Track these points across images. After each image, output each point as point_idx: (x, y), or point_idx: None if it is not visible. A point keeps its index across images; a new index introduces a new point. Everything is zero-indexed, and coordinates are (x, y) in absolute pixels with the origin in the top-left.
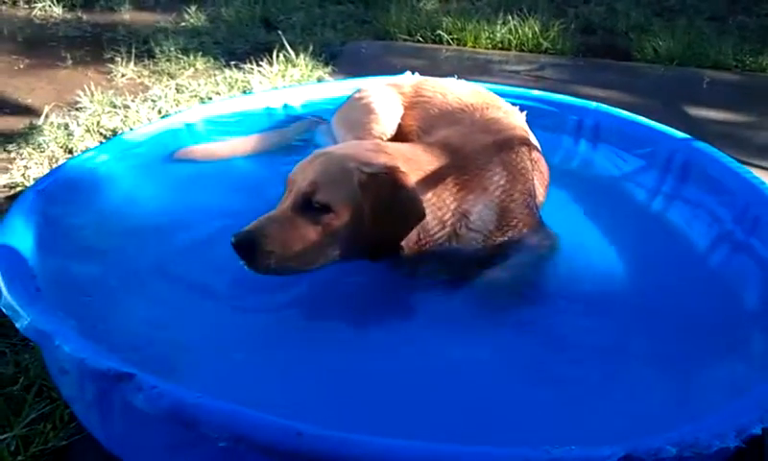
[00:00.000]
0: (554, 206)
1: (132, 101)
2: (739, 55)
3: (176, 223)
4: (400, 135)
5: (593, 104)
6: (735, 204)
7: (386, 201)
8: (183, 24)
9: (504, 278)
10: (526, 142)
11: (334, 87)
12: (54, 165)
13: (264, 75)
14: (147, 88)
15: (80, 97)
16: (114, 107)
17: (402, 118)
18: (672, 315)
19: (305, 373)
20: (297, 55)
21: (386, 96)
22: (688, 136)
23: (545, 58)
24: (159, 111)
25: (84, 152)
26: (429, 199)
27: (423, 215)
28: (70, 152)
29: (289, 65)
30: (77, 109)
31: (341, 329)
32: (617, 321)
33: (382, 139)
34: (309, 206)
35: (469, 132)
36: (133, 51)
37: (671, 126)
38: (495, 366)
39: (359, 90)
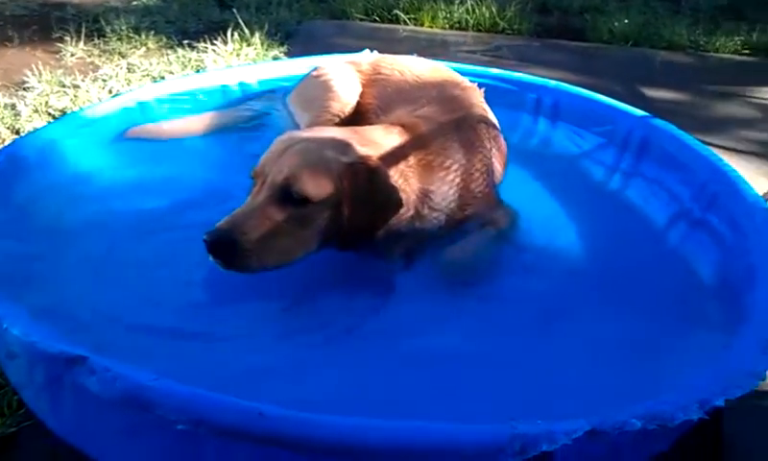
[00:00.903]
0: (513, 185)
1: (83, 80)
2: (693, 36)
3: (128, 202)
4: (358, 113)
5: (552, 82)
6: (693, 181)
7: (365, 191)
8: (135, 3)
9: (465, 255)
10: (485, 120)
11: (291, 65)
12: (0, 146)
13: (218, 54)
14: (97, 68)
15: (27, 77)
16: (63, 86)
17: (360, 96)
18: (632, 290)
19: (265, 357)
20: (252, 34)
21: (344, 74)
22: (647, 114)
23: (502, 38)
24: (110, 91)
25: (32, 131)
26: (395, 181)
27: (401, 204)
28: (17, 132)
29: (244, 44)
30: (24, 89)
31: (305, 313)
32: (578, 297)
33: (340, 117)
34: (287, 199)
35: (428, 110)
36: (83, 30)
37: (629, 105)
38: (461, 346)
39: (316, 68)
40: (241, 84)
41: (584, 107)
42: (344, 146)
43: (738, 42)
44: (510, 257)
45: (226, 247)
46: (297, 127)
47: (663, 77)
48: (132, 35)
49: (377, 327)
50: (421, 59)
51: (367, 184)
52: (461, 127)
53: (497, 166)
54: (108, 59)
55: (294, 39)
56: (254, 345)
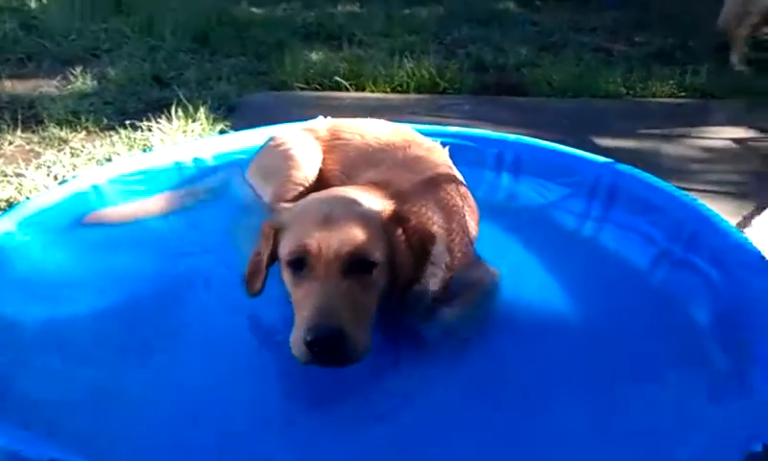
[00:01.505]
0: (487, 241)
1: (26, 168)
2: (628, 83)
3: (88, 290)
4: (321, 181)
5: (511, 136)
6: (669, 221)
7: (413, 239)
8: (69, 87)
9: (456, 316)
10: (453, 178)
11: (246, 137)
12: None
13: (164, 131)
14: (39, 155)
15: None
16: (6, 176)
17: (322, 163)
18: (626, 341)
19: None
20: (195, 109)
21: (303, 141)
22: (610, 160)
23: (444, 98)
24: (56, 177)
25: None
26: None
27: (434, 240)
28: None
29: (189, 120)
30: None
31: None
32: (567, 348)
33: (304, 185)
34: (356, 269)
35: (395, 172)
36: (19, 117)
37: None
38: (461, 401)
39: (273, 138)
40: (196, 159)
41: (545, 158)
42: (373, 201)
43: (673, 85)
44: (499, 316)
45: (337, 343)
46: (258, 199)
47: (606, 125)
48: (70, 118)
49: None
50: (379, 121)
51: (413, 233)
52: (431, 187)
53: (471, 224)
54: (48, 144)
55: (237, 113)
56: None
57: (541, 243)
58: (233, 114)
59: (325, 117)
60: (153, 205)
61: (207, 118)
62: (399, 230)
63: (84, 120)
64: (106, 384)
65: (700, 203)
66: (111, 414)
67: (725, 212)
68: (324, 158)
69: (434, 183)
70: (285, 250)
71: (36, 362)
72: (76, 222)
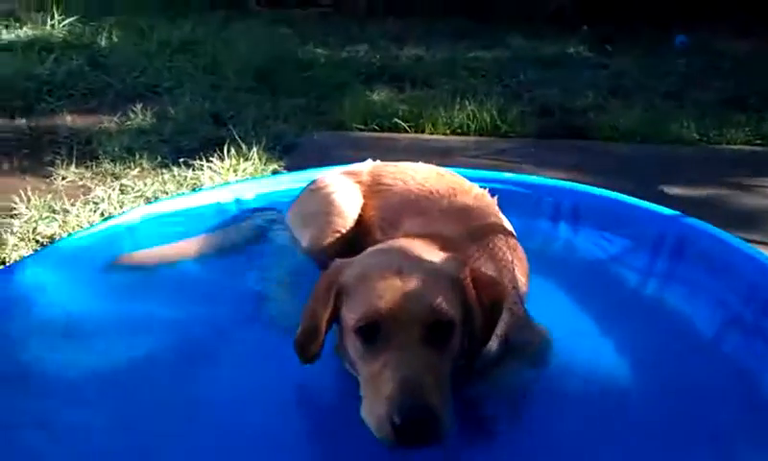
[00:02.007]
0: (539, 297)
1: (72, 204)
2: (701, 129)
3: (118, 337)
4: (361, 227)
5: (569, 183)
6: (742, 283)
7: (484, 296)
8: (128, 123)
9: (503, 382)
10: (502, 229)
11: (289, 179)
12: None
13: (215, 170)
14: (89, 190)
15: (15, 203)
16: (53, 211)
17: (362, 208)
18: (685, 416)
19: None
20: (249, 148)
21: (344, 185)
22: (677, 212)
23: (506, 142)
24: (102, 214)
25: (15, 263)
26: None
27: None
28: (2, 262)
29: (241, 159)
30: (11, 217)
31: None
32: (625, 422)
33: (342, 232)
34: (435, 334)
35: (440, 221)
36: (75, 152)
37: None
38: None
39: (314, 181)
40: (237, 200)
41: (606, 207)
42: (439, 255)
43: (749, 132)
44: (550, 384)
45: (427, 423)
46: (296, 244)
47: (677, 172)
48: (125, 155)
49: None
50: (424, 165)
51: (487, 291)
52: (478, 238)
53: (521, 279)
54: (100, 181)
55: (293, 153)
56: None
57: (599, 301)
58: (289, 154)
59: (375, 160)
60: (188, 247)
61: (260, 157)
62: (471, 287)
63: (137, 157)
64: (118, 440)
65: None
66: None
67: None
68: (364, 204)
69: (482, 234)
70: (352, 314)
71: (48, 416)
72: (108, 264)
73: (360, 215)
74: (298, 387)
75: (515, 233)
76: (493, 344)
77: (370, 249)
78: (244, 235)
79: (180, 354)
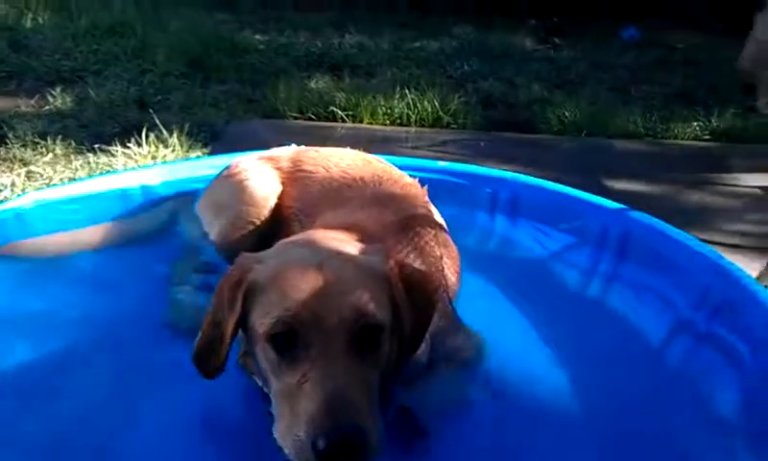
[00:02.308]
0: (471, 297)
1: None
2: (648, 123)
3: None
4: (278, 219)
5: (509, 173)
6: (693, 284)
7: (416, 295)
8: (46, 108)
9: (432, 394)
10: (431, 222)
11: (202, 165)
12: None
13: (131, 157)
14: None
15: None
16: None
17: (280, 198)
18: (629, 429)
19: None
20: (170, 134)
21: (259, 172)
22: (622, 206)
23: (447, 133)
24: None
25: None
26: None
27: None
28: None
29: (161, 146)
30: None
31: None
32: (563, 441)
33: (256, 224)
34: (362, 339)
35: (363, 214)
36: None
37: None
38: None
39: (228, 167)
40: (143, 187)
41: (548, 200)
42: (362, 247)
43: (697, 128)
44: (482, 395)
45: (358, 445)
46: (204, 237)
47: (623, 167)
48: (37, 140)
49: None
50: (350, 150)
51: (418, 287)
52: (403, 230)
53: (451, 277)
54: (7, 167)
55: (221, 141)
56: None
57: (537, 302)
58: (216, 142)
59: (299, 145)
60: (86, 237)
61: (182, 144)
62: (400, 285)
63: (51, 142)
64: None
65: (730, 262)
66: None
67: (752, 268)
68: (282, 193)
69: (408, 227)
70: (264, 319)
71: None
72: None
73: (277, 205)
74: (198, 404)
75: (446, 227)
76: (422, 350)
77: (282, 241)
78: (149, 226)
79: (71, 356)
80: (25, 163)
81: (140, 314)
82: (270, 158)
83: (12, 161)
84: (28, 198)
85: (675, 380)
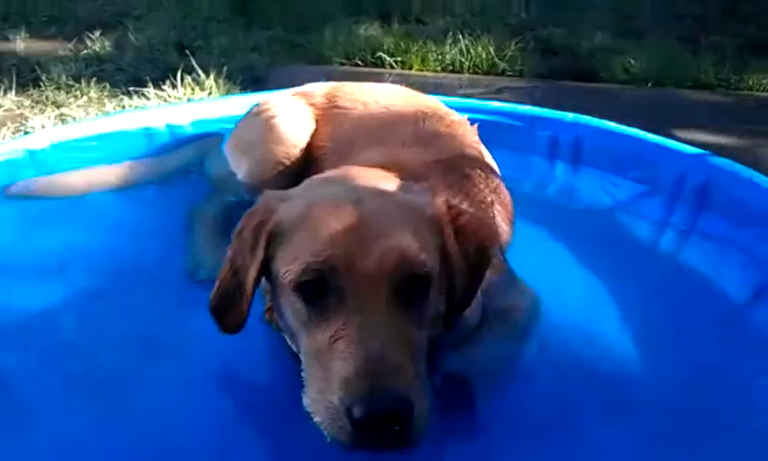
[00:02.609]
0: (525, 250)
1: (2, 138)
2: (721, 74)
3: (18, 277)
4: (309, 159)
5: (570, 115)
6: None
7: (475, 242)
8: (85, 51)
9: (483, 357)
10: (481, 165)
11: (232, 103)
12: None
13: (165, 100)
14: (27, 120)
15: None
16: None
17: (312, 136)
18: (703, 402)
19: None
20: (207, 77)
21: (291, 109)
22: (702, 151)
23: (504, 80)
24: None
25: None
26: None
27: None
28: None
29: (197, 89)
30: None
31: None
32: (626, 412)
33: (285, 164)
34: (408, 291)
35: (405, 152)
36: (18, 80)
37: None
38: None
39: (258, 104)
40: (170, 126)
41: (615, 145)
42: (415, 188)
43: None
44: (536, 359)
45: (402, 417)
46: (230, 179)
47: (694, 117)
48: (72, 83)
49: None
50: (391, 85)
51: (472, 234)
52: (452, 174)
53: (503, 226)
54: (39, 110)
55: (261, 86)
56: None
57: (601, 258)
58: (256, 87)
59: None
60: (104, 176)
61: (219, 87)
62: (450, 230)
63: (85, 85)
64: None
65: None
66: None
67: None
68: (316, 131)
69: (456, 168)
70: (291, 266)
71: None
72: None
73: (309, 144)
74: (218, 366)
75: (498, 171)
76: (473, 308)
77: (311, 178)
78: (173, 166)
79: (85, 303)
80: (57, 106)
81: (157, 262)
82: (303, 94)
83: (44, 104)
84: (43, 135)
85: (762, 348)
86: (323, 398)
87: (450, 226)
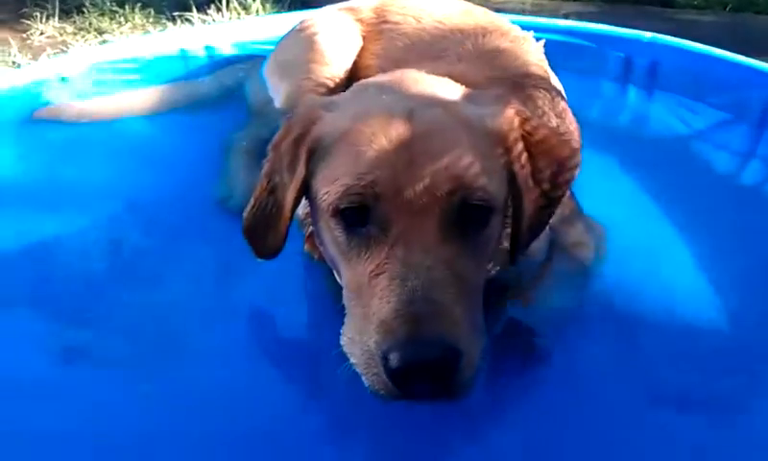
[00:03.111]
0: (594, 182)
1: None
2: None
3: (44, 205)
4: (355, 80)
5: (647, 35)
6: None
7: (552, 161)
8: None
9: (548, 299)
10: (546, 85)
11: (275, 22)
12: None
13: (208, 25)
14: (68, 47)
15: None
16: (19, 68)
17: (359, 55)
18: None
19: None
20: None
21: (335, 25)
22: None
23: (570, 5)
24: None
25: None
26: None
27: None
28: None
29: (243, 12)
30: None
31: None
32: (704, 366)
33: (329, 86)
34: (464, 221)
35: (461, 68)
36: (59, 5)
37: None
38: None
39: (301, 22)
40: (208, 48)
41: (695, 67)
42: (480, 97)
43: None
44: (605, 300)
45: (448, 368)
46: (270, 103)
47: None
48: (115, 9)
49: None
50: None
51: (548, 152)
52: (514, 93)
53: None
54: (82, 37)
55: (310, 6)
56: None
57: (676, 191)
58: (304, 7)
59: None
60: (137, 100)
61: (265, 10)
62: (521, 147)
63: (129, 11)
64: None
65: None
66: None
67: None
68: (363, 49)
69: (519, 87)
70: (331, 187)
71: None
72: (31, 117)
73: (356, 64)
74: (254, 297)
75: (564, 94)
76: (540, 243)
77: (360, 83)
78: (210, 90)
79: (114, 232)
80: (100, 32)
81: (190, 189)
82: (350, 9)
83: (86, 31)
84: (76, 57)
85: None
86: (360, 339)
87: (522, 142)
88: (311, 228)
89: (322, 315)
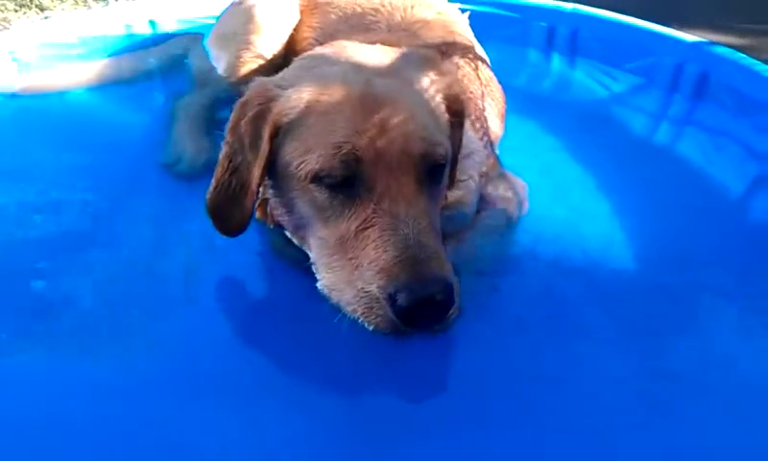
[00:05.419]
0: (518, 144)
1: None
2: None
3: None
4: (292, 52)
5: (569, 6)
6: None
7: (461, 117)
8: None
9: (462, 252)
10: (471, 54)
11: None
12: None
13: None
14: (10, 23)
15: None
16: None
17: (296, 28)
18: (695, 290)
19: None
20: None
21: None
22: (702, 40)
23: None
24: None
25: None
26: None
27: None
28: None
29: None
30: None
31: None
32: (622, 311)
33: (266, 57)
34: (429, 177)
35: (390, 38)
36: None
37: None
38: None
39: None
40: (152, 23)
41: (612, 36)
42: (422, 64)
43: None
44: (527, 253)
45: (444, 304)
46: (212, 74)
47: (700, 16)
48: None
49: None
50: None
51: (460, 110)
52: (435, 63)
53: (493, 119)
54: (23, 13)
55: None
56: None
57: (596, 151)
58: None
59: None
60: (84, 73)
61: None
62: (462, 105)
63: None
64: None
65: None
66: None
67: None
68: (300, 22)
69: (444, 56)
70: (307, 156)
71: None
72: None
73: (292, 37)
74: (216, 265)
75: (489, 62)
76: (470, 199)
77: (301, 57)
78: (153, 63)
79: (64, 202)
80: (42, 9)
81: (137, 158)
82: None
83: (28, 6)
84: (22, 32)
85: (757, 239)
86: (352, 286)
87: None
88: (264, 197)
89: (276, 271)
